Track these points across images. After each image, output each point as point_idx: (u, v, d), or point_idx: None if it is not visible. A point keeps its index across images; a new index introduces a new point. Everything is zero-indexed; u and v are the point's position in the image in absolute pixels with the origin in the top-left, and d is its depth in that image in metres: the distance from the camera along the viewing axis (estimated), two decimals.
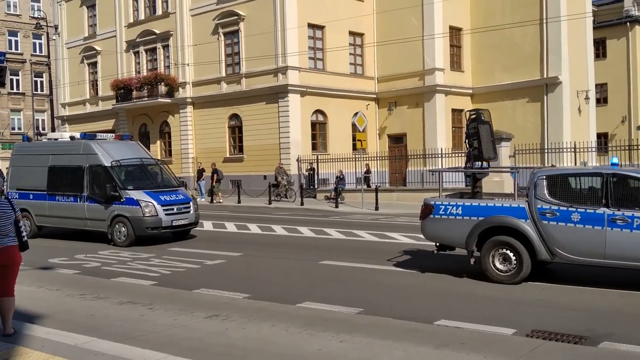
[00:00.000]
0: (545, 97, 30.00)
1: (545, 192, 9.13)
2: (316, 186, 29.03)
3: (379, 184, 26.78)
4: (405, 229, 16.93)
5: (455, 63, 32.81)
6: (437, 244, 10.59)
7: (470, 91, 32.81)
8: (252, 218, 20.74)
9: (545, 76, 30.12)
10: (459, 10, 32.29)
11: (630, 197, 8.68)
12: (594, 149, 27.89)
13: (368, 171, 29.42)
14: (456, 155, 27.90)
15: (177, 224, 15.08)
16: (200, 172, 30.09)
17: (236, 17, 31.40)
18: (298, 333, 6.67)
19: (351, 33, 32.36)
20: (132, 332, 6.80)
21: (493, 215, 9.54)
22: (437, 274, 10.36)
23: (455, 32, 32.48)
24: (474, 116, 11.19)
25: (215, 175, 28.48)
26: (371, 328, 6.84)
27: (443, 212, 10.02)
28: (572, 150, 23.87)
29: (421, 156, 28.36)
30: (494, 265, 9.47)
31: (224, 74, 32.42)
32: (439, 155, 27.10)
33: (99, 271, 11.40)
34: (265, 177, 29.46)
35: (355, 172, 27.28)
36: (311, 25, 30.61)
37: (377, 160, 29.67)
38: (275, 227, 17.96)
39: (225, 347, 6.29)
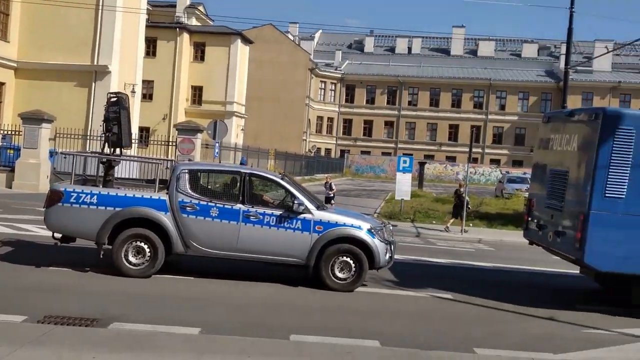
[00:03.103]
0: (93, 83, 30.02)
1: (187, 186, 9.27)
2: None
3: None
4: None
5: (1, 31, 29.93)
6: (55, 234, 9.61)
7: (15, 65, 30.40)
8: None
9: (95, 63, 30.14)
10: None
11: (262, 195, 9.81)
12: (135, 142, 29.32)
13: None
14: None
15: None
16: None
17: None
18: None
19: None
20: None
21: (132, 207, 9.20)
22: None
23: None
24: (115, 99, 10.67)
25: None
26: None
27: (75, 201, 9.21)
28: None
29: None
30: (126, 259, 9.13)
31: None
32: None
33: None
34: None
35: None
36: None
37: None
38: None
39: None
